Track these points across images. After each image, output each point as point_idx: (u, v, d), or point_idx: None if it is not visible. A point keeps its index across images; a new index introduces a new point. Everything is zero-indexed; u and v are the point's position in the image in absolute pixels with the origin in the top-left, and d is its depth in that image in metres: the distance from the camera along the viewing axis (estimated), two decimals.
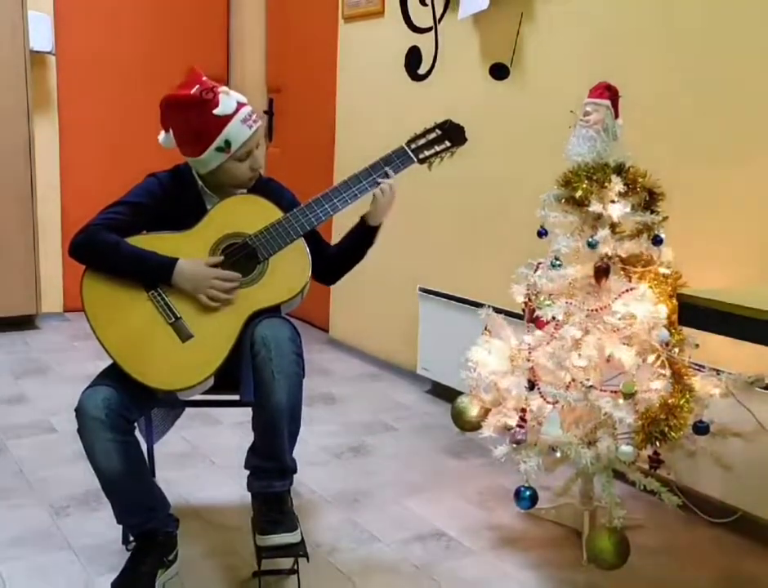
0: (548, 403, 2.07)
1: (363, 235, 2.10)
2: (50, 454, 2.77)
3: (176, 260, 1.91)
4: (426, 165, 2.10)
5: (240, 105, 1.97)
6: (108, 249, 1.90)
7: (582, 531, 2.25)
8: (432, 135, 2.10)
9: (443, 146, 2.10)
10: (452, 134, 2.11)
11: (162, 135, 2.04)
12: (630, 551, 1.96)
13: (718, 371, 2.09)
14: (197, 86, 1.94)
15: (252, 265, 1.96)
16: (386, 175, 2.04)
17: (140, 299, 1.91)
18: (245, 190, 2.07)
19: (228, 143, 1.95)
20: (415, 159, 2.07)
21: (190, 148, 1.99)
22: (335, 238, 2.14)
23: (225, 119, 1.94)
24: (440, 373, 3.44)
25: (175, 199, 2.01)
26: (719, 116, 2.41)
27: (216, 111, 1.93)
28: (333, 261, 2.14)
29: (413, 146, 2.08)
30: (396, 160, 2.05)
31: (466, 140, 2.12)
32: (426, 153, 2.08)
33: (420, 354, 3.56)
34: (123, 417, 1.81)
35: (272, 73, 5.10)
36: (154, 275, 1.91)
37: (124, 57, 4.83)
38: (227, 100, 1.95)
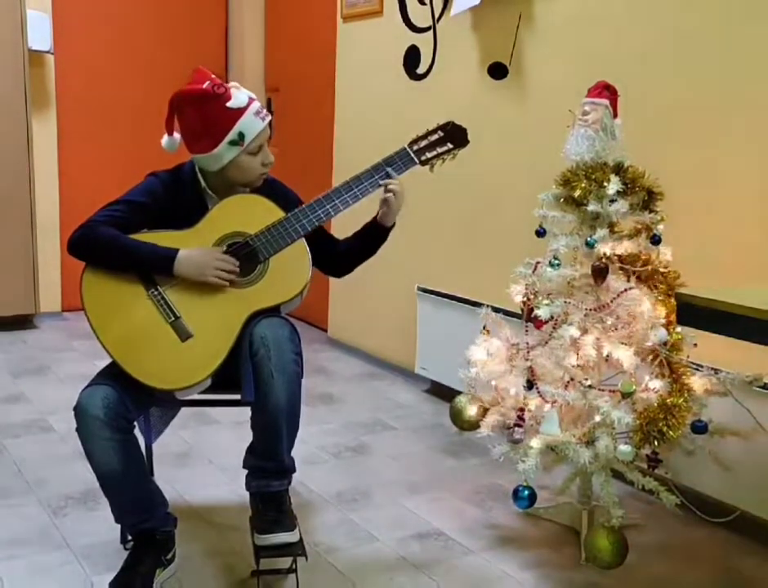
0: (547, 402, 2.07)
1: (377, 234, 2.10)
2: (48, 453, 2.77)
3: (177, 250, 1.91)
4: (427, 166, 2.09)
5: (251, 100, 1.98)
6: (107, 243, 1.90)
7: (581, 530, 2.25)
8: (434, 137, 2.09)
9: (445, 148, 2.08)
10: (454, 136, 2.09)
11: (165, 139, 2.03)
12: (628, 550, 1.96)
13: (716, 371, 2.10)
14: (207, 82, 1.95)
15: (252, 265, 1.95)
16: (388, 176, 2.03)
17: (140, 298, 1.91)
18: (247, 190, 2.07)
19: (242, 135, 1.95)
20: (417, 161, 2.06)
21: (202, 143, 1.97)
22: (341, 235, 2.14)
23: (239, 112, 1.94)
24: (439, 372, 3.44)
25: (176, 199, 2.01)
26: (718, 116, 2.41)
27: (229, 104, 1.93)
28: (345, 256, 2.15)
29: (415, 147, 2.07)
30: (398, 161, 2.04)
31: (468, 141, 2.10)
32: (428, 154, 2.07)
33: (418, 353, 3.56)
34: (122, 416, 1.81)
35: (270, 72, 5.10)
36: (156, 266, 1.91)
37: (123, 56, 4.83)
38: (239, 94, 1.96)
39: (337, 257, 2.14)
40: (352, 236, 2.15)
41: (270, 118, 2.03)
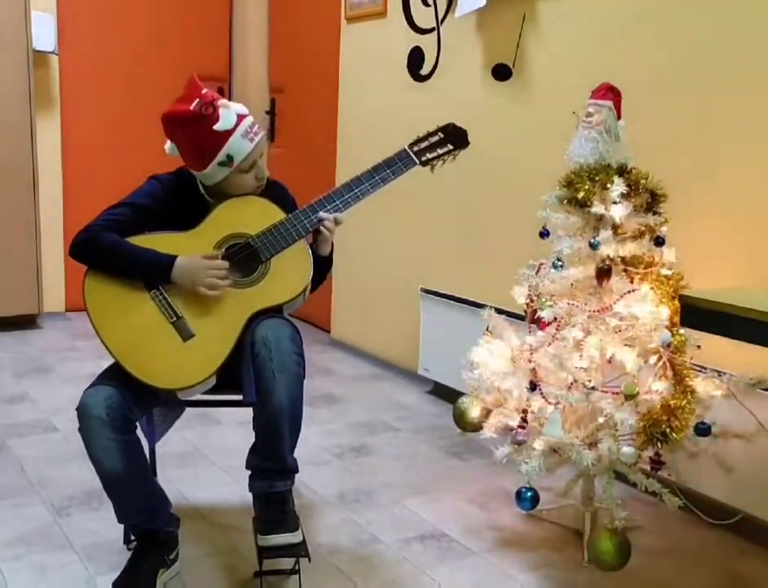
0: (550, 403, 2.07)
1: (320, 263, 2.06)
2: (51, 453, 2.77)
3: (175, 257, 1.91)
4: (428, 167, 2.10)
5: (240, 118, 1.97)
6: (108, 249, 1.91)
7: (584, 532, 2.25)
8: (435, 138, 2.10)
9: (445, 149, 2.10)
10: (454, 137, 2.10)
11: (168, 145, 2.04)
12: (631, 552, 1.96)
13: (720, 373, 2.09)
14: (197, 100, 1.93)
15: (253, 266, 1.96)
16: (340, 209, 2.01)
17: (142, 298, 1.91)
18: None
19: (230, 157, 1.95)
20: (417, 162, 2.07)
21: (193, 162, 1.99)
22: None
23: (226, 134, 1.94)
24: (442, 374, 3.44)
25: (177, 201, 2.02)
26: (721, 117, 2.41)
27: (216, 127, 1.92)
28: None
29: (416, 149, 2.08)
30: (399, 162, 2.05)
31: (468, 143, 2.11)
32: (429, 155, 2.08)
33: (421, 354, 3.56)
34: (125, 417, 1.82)
35: (274, 73, 5.11)
36: (154, 274, 1.92)
37: (127, 57, 4.84)
38: (227, 114, 1.94)
39: None
40: None
41: (261, 134, 2.01)
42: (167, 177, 2.06)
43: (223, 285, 1.92)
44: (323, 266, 2.09)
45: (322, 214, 2.00)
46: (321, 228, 2.00)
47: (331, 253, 2.09)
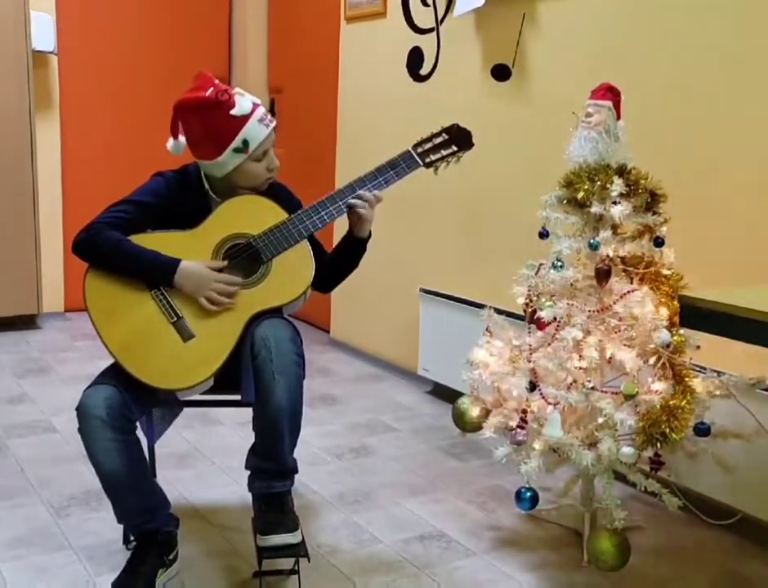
0: (549, 404, 2.07)
1: (354, 246, 2.08)
2: (51, 454, 2.77)
3: (179, 261, 1.91)
4: (432, 169, 2.09)
5: (255, 105, 1.98)
6: (110, 247, 1.90)
7: (583, 532, 2.25)
8: (439, 140, 2.07)
9: (449, 150, 2.07)
10: (459, 138, 2.08)
11: (170, 143, 2.04)
12: (630, 553, 1.96)
13: (719, 373, 2.09)
14: (211, 88, 1.93)
15: (255, 266, 1.95)
16: (383, 185, 2.01)
17: (143, 298, 1.91)
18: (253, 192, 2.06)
19: (246, 143, 1.95)
20: (421, 163, 2.04)
21: (207, 151, 1.98)
22: (336, 242, 2.14)
23: (243, 119, 1.94)
24: (441, 374, 3.44)
25: (180, 199, 2.01)
26: (720, 117, 2.41)
27: (233, 112, 1.93)
28: (329, 270, 2.12)
29: (420, 150, 2.05)
30: (403, 164, 2.02)
31: (473, 144, 2.09)
32: (433, 157, 2.06)
33: (421, 354, 3.56)
34: (125, 416, 1.82)
35: (274, 73, 5.11)
36: (156, 275, 1.91)
37: (126, 57, 4.83)
38: (243, 101, 1.95)
39: (323, 270, 2.06)
40: (333, 249, 2.14)
41: (274, 123, 2.02)
42: (172, 174, 2.05)
43: (226, 303, 1.91)
44: (361, 250, 2.08)
45: (360, 191, 1.98)
46: (358, 208, 1.98)
47: (369, 236, 2.07)
